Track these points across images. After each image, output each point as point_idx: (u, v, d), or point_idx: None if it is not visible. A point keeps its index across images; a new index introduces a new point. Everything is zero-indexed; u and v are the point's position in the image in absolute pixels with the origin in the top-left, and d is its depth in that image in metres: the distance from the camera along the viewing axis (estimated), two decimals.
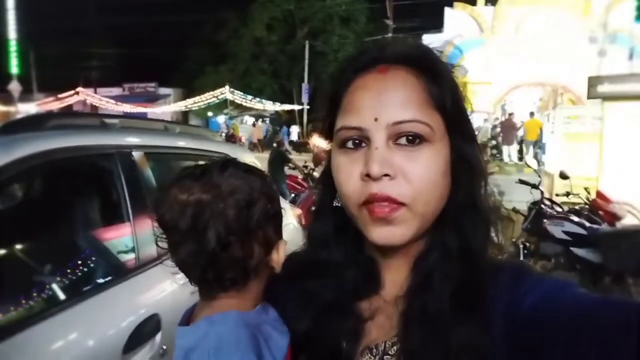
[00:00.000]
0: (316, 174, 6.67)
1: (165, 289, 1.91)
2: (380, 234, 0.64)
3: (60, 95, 31.80)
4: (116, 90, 35.75)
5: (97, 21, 38.76)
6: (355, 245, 0.71)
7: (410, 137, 0.63)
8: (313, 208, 0.80)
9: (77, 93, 32.19)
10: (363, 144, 0.64)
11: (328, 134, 0.72)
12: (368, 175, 0.61)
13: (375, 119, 0.62)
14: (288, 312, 0.71)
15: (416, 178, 0.62)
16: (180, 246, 0.65)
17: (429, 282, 0.65)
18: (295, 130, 27.93)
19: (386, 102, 0.62)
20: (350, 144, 0.65)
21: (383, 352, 0.66)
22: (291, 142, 24.17)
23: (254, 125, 27.93)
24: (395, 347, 0.65)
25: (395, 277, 0.70)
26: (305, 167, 7.14)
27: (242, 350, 0.62)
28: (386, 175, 0.61)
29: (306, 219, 3.64)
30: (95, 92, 34.06)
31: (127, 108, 30.92)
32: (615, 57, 15.50)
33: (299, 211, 3.66)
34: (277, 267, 0.72)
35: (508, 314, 0.59)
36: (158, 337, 1.78)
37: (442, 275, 0.64)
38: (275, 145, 8.14)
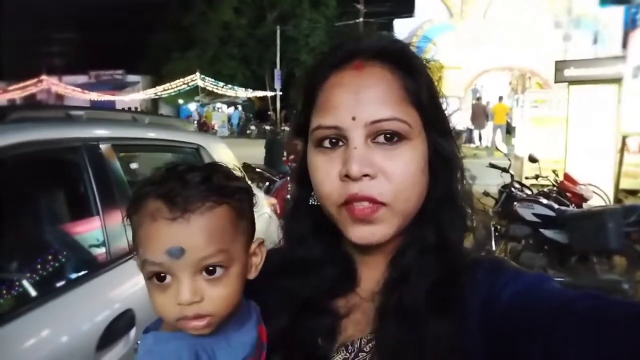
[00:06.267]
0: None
1: (138, 283, 1.87)
2: (360, 234, 0.63)
3: (23, 84, 30.65)
4: (82, 78, 34.76)
5: (60, 5, 37.27)
6: (332, 242, 0.70)
7: (388, 135, 0.62)
8: (289, 200, 0.79)
9: (41, 81, 31.10)
10: (340, 143, 0.63)
11: (302, 131, 0.70)
12: (347, 175, 0.60)
13: (353, 118, 0.61)
14: (266, 310, 0.70)
15: (396, 177, 0.61)
16: None
17: (405, 277, 0.65)
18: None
19: (363, 99, 0.61)
20: (327, 143, 0.64)
21: (358, 349, 0.66)
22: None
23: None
24: (370, 344, 0.65)
25: (372, 274, 0.70)
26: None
27: None
28: (366, 175, 0.60)
29: (281, 208, 3.63)
30: (60, 80, 32.98)
31: (95, 96, 30.11)
32: (580, 41, 15.84)
33: (273, 200, 3.64)
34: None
35: (485, 308, 0.59)
36: (132, 332, 1.75)
37: (419, 271, 0.64)
38: (269, 132, 8.01)
